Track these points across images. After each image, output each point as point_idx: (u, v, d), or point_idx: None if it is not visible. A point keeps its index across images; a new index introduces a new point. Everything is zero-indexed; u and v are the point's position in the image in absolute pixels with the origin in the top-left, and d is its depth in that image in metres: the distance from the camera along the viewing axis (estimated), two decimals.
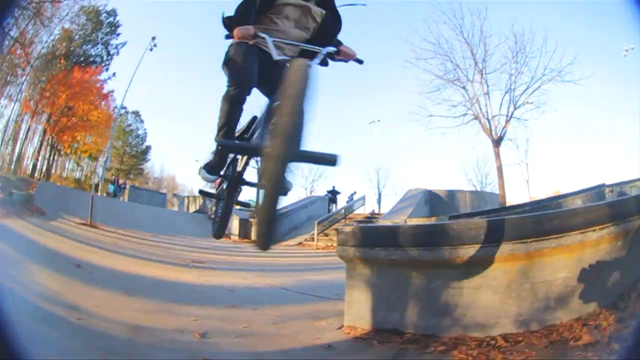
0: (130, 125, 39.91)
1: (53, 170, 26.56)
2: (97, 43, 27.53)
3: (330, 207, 23.74)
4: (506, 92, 19.19)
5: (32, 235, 7.59)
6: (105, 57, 27.81)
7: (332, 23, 3.07)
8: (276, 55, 2.52)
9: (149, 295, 4.46)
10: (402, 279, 3.40)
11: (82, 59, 26.06)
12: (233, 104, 2.79)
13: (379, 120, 38.99)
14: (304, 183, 40.61)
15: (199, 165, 3.06)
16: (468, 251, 3.06)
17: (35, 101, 22.30)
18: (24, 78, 21.62)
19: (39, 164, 24.19)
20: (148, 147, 42.23)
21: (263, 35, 2.66)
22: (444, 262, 3.17)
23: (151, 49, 25.96)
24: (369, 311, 3.50)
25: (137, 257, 7.44)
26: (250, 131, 3.09)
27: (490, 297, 3.03)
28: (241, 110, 2.84)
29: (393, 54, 41.36)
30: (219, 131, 2.77)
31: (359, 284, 3.70)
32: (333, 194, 24.88)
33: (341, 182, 70.87)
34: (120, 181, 28.97)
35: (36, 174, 23.39)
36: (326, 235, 16.51)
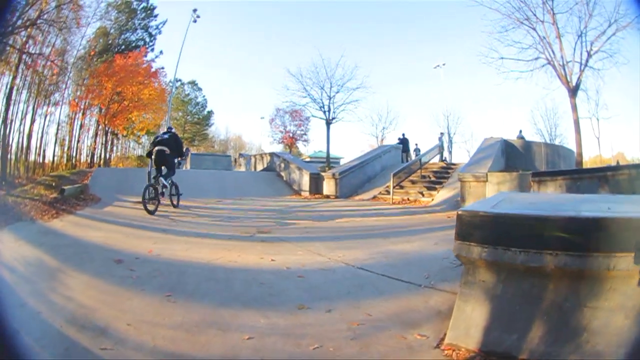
0: (188, 95, 44.12)
1: (114, 154, 28.09)
2: (136, 29, 28.57)
3: (403, 156, 22.69)
4: (578, 37, 17.29)
5: (77, 232, 7.07)
6: (148, 40, 28.94)
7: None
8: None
9: (197, 296, 3.69)
10: (535, 293, 2.59)
11: (123, 47, 26.87)
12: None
13: (443, 64, 37.60)
14: (374, 131, 40.03)
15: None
16: (620, 261, 2.32)
17: (81, 97, 23.21)
18: (64, 84, 22.37)
19: (97, 152, 25.07)
20: (210, 112, 45.96)
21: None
22: (592, 274, 2.42)
23: (195, 21, 27.09)
24: (482, 329, 2.66)
25: (194, 235, 6.76)
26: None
27: (620, 322, 2.35)
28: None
29: None
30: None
31: (477, 294, 2.79)
32: (404, 142, 23.68)
33: (411, 129, 70.14)
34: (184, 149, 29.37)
35: (95, 162, 24.19)
36: (401, 187, 15.60)
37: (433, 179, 16.46)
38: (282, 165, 20.06)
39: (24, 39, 18.07)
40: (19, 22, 16.54)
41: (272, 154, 21.97)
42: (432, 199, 13.62)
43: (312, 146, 45.50)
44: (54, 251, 5.58)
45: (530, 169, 14.90)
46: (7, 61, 17.26)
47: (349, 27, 63.41)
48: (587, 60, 17.13)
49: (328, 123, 26.72)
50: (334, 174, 17.01)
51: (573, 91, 17.30)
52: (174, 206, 10.37)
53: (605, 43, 16.76)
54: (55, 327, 2.97)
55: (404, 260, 5.01)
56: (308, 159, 38.75)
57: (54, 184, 12.85)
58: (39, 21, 17.84)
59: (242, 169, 27.03)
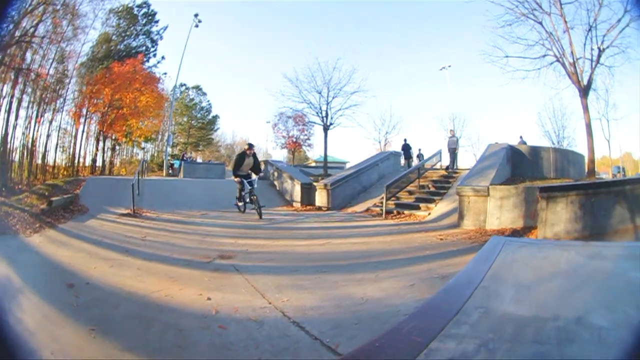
0: (192, 99, 44.51)
1: (117, 159, 28.69)
2: (138, 35, 29.51)
3: (405, 163, 22.27)
4: (588, 31, 16.05)
5: (49, 250, 7.38)
6: (150, 46, 30.00)
7: (256, 165, 13.33)
8: (247, 187, 12.90)
9: (114, 335, 3.70)
10: None
11: (124, 53, 27.54)
12: (240, 191, 13.18)
13: (449, 66, 37.39)
14: (377, 136, 40.17)
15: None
16: None
17: (80, 105, 23.70)
18: (65, 90, 22.82)
19: (99, 158, 25.60)
20: (215, 117, 46.57)
21: (242, 181, 12.98)
22: None
23: (197, 26, 27.43)
24: None
25: (152, 258, 6.75)
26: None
27: None
28: (244, 191, 13.07)
29: None
30: (238, 197, 13.42)
31: None
32: (406, 149, 23.14)
33: (417, 133, 69.79)
34: (187, 155, 29.36)
35: (98, 167, 24.87)
36: (397, 199, 14.98)
37: (432, 189, 15.91)
38: (275, 174, 19.75)
39: (21, 53, 18.45)
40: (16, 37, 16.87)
41: (266, 162, 21.58)
42: (429, 213, 13.06)
43: (317, 151, 45.20)
44: (22, 270, 5.86)
45: (538, 176, 14.64)
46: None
47: (352, 30, 64.54)
48: (598, 57, 16.02)
49: (325, 129, 26.22)
50: (325, 185, 16.43)
51: (584, 91, 16.15)
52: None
53: (617, 37, 15.64)
54: None
55: (356, 313, 4.18)
56: (314, 164, 38.57)
57: (46, 194, 13.16)
58: (34, 36, 18.32)
59: None
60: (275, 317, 4.18)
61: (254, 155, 13.52)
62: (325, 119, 26.13)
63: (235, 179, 13.01)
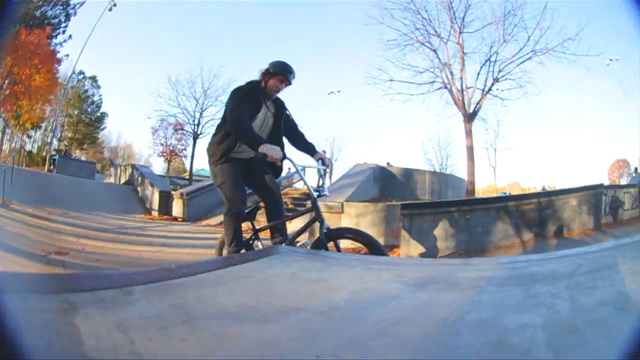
0: (86, 91, 39.48)
1: (7, 146, 26.73)
2: (57, 4, 27.09)
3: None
4: (486, 61, 16.57)
5: None
6: (63, 19, 27.56)
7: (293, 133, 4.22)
8: (314, 194, 3.76)
9: None
10: None
11: (37, 21, 25.26)
12: (239, 220, 3.92)
13: (338, 91, 35.96)
14: None
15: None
16: None
17: None
18: None
19: None
20: (104, 115, 41.39)
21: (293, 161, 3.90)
22: None
23: (110, 9, 25.23)
24: None
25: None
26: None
27: None
28: (249, 215, 3.91)
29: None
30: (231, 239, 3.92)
31: None
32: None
33: (291, 155, 70.73)
34: (69, 152, 28.25)
35: None
36: None
37: (291, 205, 15.24)
38: (139, 179, 18.84)
39: None
40: None
41: (133, 166, 21.23)
42: None
43: (196, 162, 40.39)
44: None
45: (410, 198, 14.55)
46: None
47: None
48: (490, 86, 16.46)
49: (195, 137, 26.28)
50: (182, 194, 15.85)
51: (469, 117, 16.31)
52: None
53: (515, 69, 16.20)
54: None
55: None
56: (187, 175, 36.36)
57: None
58: None
59: (111, 179, 25.55)
60: None
61: (281, 106, 4.22)
62: (196, 127, 26.19)
63: (219, 166, 4.03)
